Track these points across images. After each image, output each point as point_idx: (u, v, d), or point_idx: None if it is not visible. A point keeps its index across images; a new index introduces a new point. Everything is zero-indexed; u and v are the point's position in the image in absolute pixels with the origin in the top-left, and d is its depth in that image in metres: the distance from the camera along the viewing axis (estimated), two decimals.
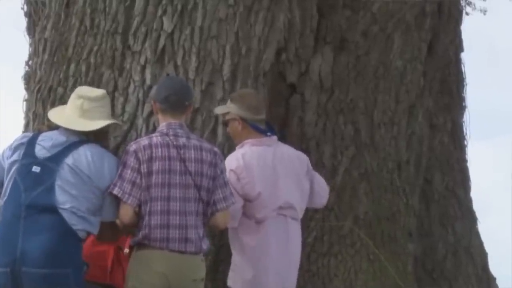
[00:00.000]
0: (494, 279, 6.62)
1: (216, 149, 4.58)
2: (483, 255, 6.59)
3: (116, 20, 5.58)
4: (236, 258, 4.80)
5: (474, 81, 6.84)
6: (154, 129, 5.26)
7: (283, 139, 5.15)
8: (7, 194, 4.24)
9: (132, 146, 4.42)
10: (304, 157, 5.05)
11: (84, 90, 4.55)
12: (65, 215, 4.16)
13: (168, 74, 5.32)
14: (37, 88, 5.80)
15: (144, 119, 5.37)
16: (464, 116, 6.80)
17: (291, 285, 4.89)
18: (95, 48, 5.59)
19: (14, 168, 4.25)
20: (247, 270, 4.75)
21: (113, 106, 5.46)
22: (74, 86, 5.57)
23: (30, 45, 6.28)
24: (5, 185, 4.28)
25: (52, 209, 4.14)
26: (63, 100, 5.61)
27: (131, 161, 4.35)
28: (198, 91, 5.31)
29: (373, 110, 5.87)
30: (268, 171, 4.82)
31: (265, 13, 5.51)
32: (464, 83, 6.85)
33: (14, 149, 4.34)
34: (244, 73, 5.42)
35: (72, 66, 5.65)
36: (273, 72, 5.58)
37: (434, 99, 6.39)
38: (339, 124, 5.74)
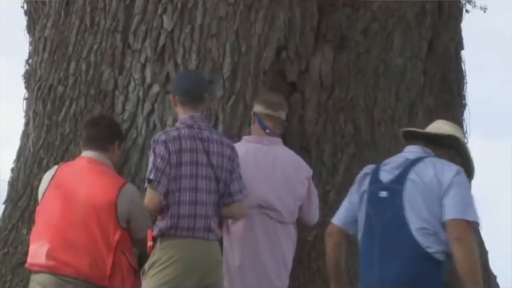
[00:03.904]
0: (495, 277, 6.61)
1: (233, 144, 4.74)
2: (483, 253, 6.58)
3: (116, 19, 5.58)
4: (225, 244, 4.88)
5: (473, 79, 6.83)
6: (155, 127, 5.28)
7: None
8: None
9: (162, 136, 4.56)
10: (303, 165, 5.05)
11: None
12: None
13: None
14: (37, 86, 5.80)
15: (144, 117, 5.37)
16: (464, 113, 6.80)
17: (283, 285, 4.91)
18: (95, 46, 5.59)
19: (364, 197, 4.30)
20: (234, 257, 4.83)
21: (113, 104, 5.47)
22: (74, 85, 5.59)
23: (30, 43, 6.28)
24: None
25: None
26: (63, 99, 5.62)
27: (161, 150, 4.50)
28: None
29: (374, 108, 5.86)
30: (251, 167, 4.85)
31: (265, 11, 5.51)
32: (464, 81, 6.84)
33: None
34: (244, 71, 5.42)
35: (72, 64, 5.65)
36: (273, 71, 5.57)
37: (434, 97, 6.38)
38: (339, 122, 5.74)
